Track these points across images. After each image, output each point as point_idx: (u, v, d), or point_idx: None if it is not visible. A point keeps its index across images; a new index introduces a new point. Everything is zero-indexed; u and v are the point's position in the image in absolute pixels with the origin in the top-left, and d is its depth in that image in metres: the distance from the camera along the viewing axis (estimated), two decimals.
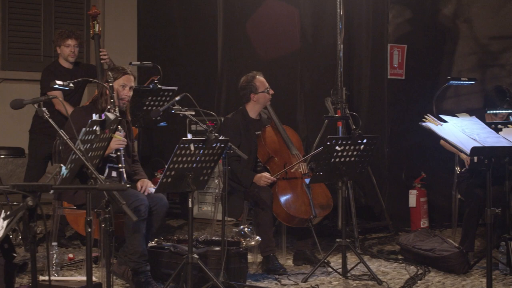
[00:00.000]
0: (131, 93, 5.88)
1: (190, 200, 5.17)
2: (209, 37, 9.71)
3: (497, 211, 5.15)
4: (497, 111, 6.94)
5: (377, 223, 8.32)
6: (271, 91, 6.72)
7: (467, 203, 6.73)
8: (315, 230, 6.38)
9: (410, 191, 8.26)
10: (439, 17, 9.00)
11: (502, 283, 5.98)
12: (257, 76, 6.70)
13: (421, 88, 8.57)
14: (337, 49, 7.78)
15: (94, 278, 4.66)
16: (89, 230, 3.91)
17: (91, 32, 7.47)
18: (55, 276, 5.57)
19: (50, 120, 4.53)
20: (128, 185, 3.68)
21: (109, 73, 5.74)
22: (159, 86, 6.85)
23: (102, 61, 7.25)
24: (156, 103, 6.92)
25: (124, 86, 5.80)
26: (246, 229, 6.00)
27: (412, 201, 8.22)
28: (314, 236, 6.36)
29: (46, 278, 5.21)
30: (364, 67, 8.67)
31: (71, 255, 6.54)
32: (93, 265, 5.39)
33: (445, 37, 9.07)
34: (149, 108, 6.90)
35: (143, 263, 5.48)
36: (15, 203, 4.39)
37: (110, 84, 5.62)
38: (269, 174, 6.47)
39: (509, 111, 6.97)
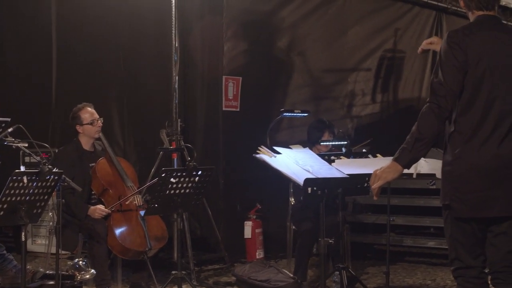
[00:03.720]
0: None
1: (23, 233, 5.21)
2: (43, 67, 9.77)
3: (330, 241, 5.55)
4: (328, 143, 7.44)
5: (213, 254, 8.60)
6: (99, 123, 6.90)
7: (299, 234, 7.13)
8: (150, 262, 6.58)
9: (245, 222, 8.62)
10: (274, 50, 9.47)
11: None
12: (84, 108, 6.89)
13: (256, 120, 8.92)
14: (172, 81, 8.09)
15: None
16: None
17: None
18: None
19: None
20: None
21: None
22: None
23: None
24: None
25: None
26: (80, 262, 6.11)
27: (248, 232, 8.57)
28: (150, 269, 6.54)
29: None
30: (199, 99, 8.98)
31: None
32: None
33: (280, 70, 9.56)
34: None
35: None
36: None
37: None
38: (103, 206, 6.65)
39: (339, 142, 7.49)
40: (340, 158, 6.48)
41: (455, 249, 4.23)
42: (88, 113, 6.88)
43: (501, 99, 4.11)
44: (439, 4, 11.72)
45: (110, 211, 6.60)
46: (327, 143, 7.48)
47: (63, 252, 6.90)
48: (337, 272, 6.61)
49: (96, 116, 6.89)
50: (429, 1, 11.56)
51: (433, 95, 4.11)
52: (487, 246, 4.24)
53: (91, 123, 6.86)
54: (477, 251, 4.20)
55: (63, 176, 5.56)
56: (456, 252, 4.23)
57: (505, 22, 12.10)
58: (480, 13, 4.27)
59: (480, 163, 4.08)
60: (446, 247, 8.21)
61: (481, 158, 4.08)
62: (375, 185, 4.25)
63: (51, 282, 5.81)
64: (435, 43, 4.89)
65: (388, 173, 4.21)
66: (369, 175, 5.86)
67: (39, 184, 5.20)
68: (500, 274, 4.23)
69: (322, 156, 6.08)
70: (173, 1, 8.11)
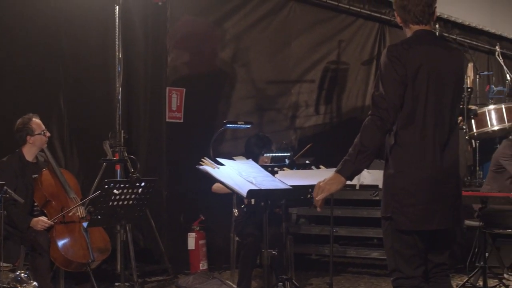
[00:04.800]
0: None
1: None
2: None
3: (273, 252, 5.64)
4: (270, 154, 7.55)
5: (157, 266, 8.62)
6: (48, 134, 6.96)
7: (243, 245, 7.20)
8: (93, 274, 6.55)
9: (189, 233, 8.69)
10: (218, 61, 9.58)
11: None
12: (33, 119, 6.91)
13: (199, 131, 9.01)
14: (116, 92, 8.14)
15: None
16: None
17: None
18: None
19: None
20: None
21: None
22: None
23: None
24: None
25: None
26: (22, 274, 6.04)
27: (191, 243, 8.64)
28: (93, 281, 6.51)
29: None
30: (143, 110, 9.02)
31: None
32: None
33: (223, 81, 9.66)
34: None
35: None
36: None
37: None
38: (46, 218, 6.64)
39: (282, 154, 7.61)
40: (284, 170, 6.56)
41: (395, 260, 4.38)
42: (38, 123, 6.91)
43: (437, 113, 4.30)
44: (382, 16, 12.00)
45: (52, 223, 6.59)
46: (269, 154, 7.58)
47: (5, 264, 6.86)
48: (281, 283, 6.52)
49: (43, 126, 6.94)
50: (372, 13, 11.83)
51: (375, 108, 4.22)
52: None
53: (42, 133, 6.90)
54: (417, 261, 4.35)
55: (5, 187, 5.56)
56: (396, 263, 4.37)
57: (446, 34, 12.49)
58: (417, 27, 4.43)
59: (422, 177, 4.25)
60: None
61: (423, 172, 4.25)
62: (319, 196, 4.34)
63: None
64: None
65: (331, 185, 4.30)
66: (312, 186, 6.01)
67: None
68: (432, 278, 4.47)
69: (265, 167, 6.15)
70: (117, 12, 8.18)
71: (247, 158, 7.37)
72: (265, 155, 7.53)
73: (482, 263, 6.97)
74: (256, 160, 7.30)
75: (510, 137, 8.42)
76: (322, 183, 4.34)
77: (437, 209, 4.28)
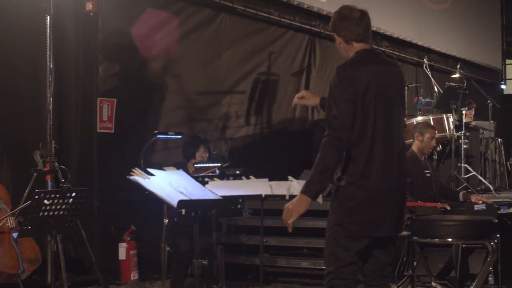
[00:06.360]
0: None
1: None
2: None
3: (204, 262, 5.74)
4: (203, 164, 7.65)
5: (87, 276, 8.56)
6: None
7: (174, 255, 7.28)
8: (23, 285, 6.62)
9: (119, 243, 8.68)
10: (148, 72, 9.64)
11: None
12: None
13: (130, 142, 9.04)
14: (47, 102, 8.14)
15: None
16: None
17: None
18: None
19: None
20: None
21: None
22: None
23: None
24: None
25: None
26: None
27: (122, 253, 8.63)
28: None
29: None
30: (74, 120, 9.02)
31: None
32: None
33: (154, 92, 9.72)
34: None
35: None
36: None
37: None
38: None
39: (213, 164, 7.72)
40: (214, 180, 6.66)
41: (334, 263, 4.61)
42: None
43: (385, 130, 4.59)
44: (312, 28, 12.23)
45: None
46: (202, 164, 7.68)
47: None
48: None
49: None
50: (302, 25, 12.05)
51: (330, 129, 4.46)
52: (369, 256, 4.69)
53: None
54: (355, 267, 4.61)
55: None
56: (334, 267, 4.61)
57: (375, 47, 12.74)
58: (359, 45, 4.70)
59: (372, 189, 4.53)
60: (319, 267, 8.53)
61: (373, 185, 4.52)
62: (290, 220, 4.50)
63: None
64: (305, 98, 5.23)
65: (299, 206, 4.48)
66: (242, 196, 6.17)
67: None
68: (377, 281, 4.74)
69: (196, 177, 6.24)
70: (48, 22, 8.17)
71: (184, 157, 7.49)
72: (196, 166, 7.62)
73: (410, 271, 7.19)
74: (194, 156, 7.44)
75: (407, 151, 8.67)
76: (290, 206, 4.51)
77: (385, 218, 4.57)
